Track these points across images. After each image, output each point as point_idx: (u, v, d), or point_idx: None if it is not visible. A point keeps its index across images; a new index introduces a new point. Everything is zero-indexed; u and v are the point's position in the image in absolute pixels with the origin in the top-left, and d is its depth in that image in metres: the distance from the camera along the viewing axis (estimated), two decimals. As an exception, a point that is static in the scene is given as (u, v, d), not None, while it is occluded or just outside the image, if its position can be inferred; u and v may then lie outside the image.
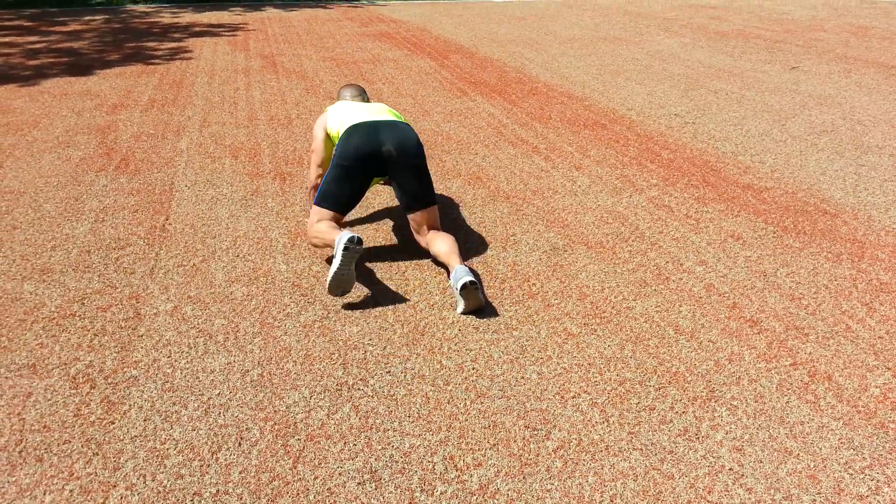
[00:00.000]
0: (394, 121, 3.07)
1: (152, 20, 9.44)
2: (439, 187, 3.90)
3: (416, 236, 3.07)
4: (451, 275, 2.73)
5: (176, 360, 2.39)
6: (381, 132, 2.96)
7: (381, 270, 3.01)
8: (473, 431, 2.10)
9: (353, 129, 2.97)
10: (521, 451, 2.02)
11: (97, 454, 1.98)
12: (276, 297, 2.79)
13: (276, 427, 2.09)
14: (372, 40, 8.18)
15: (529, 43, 8.18)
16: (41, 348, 2.45)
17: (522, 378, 2.35)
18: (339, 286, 2.70)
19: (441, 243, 2.92)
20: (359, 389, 2.26)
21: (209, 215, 3.52)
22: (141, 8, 10.54)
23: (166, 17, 9.64)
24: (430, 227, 3.03)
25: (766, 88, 6.28)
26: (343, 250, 2.63)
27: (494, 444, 2.04)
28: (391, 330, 2.59)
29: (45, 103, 5.50)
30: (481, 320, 2.66)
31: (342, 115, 3.13)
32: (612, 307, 2.78)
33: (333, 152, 3.02)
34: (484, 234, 3.36)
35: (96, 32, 8.50)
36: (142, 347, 2.46)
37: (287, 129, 4.85)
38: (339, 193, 2.94)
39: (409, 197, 2.98)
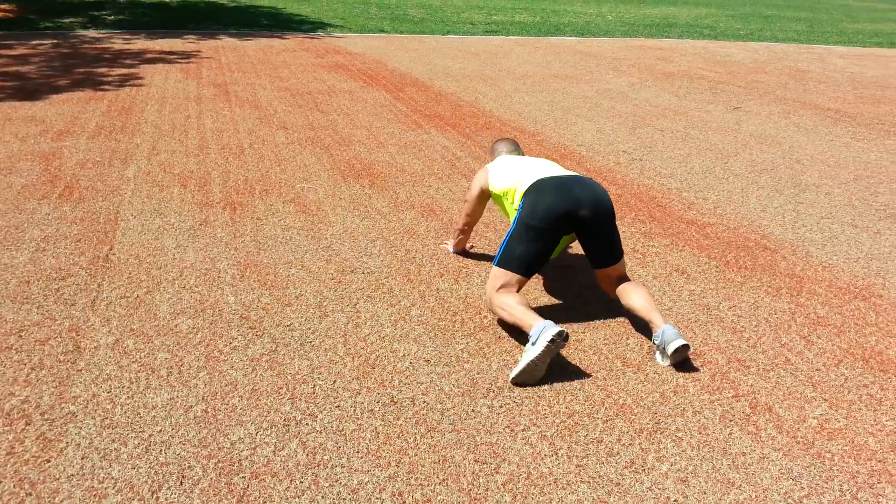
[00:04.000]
0: (580, 176, 2.95)
1: (103, 46, 9.30)
2: (392, 219, 3.92)
3: (605, 287, 2.96)
4: (658, 333, 2.61)
5: (116, 396, 2.32)
6: (574, 189, 2.80)
7: (332, 302, 2.99)
8: (423, 466, 2.08)
9: (539, 187, 2.83)
10: (470, 486, 2.01)
11: (31, 494, 1.90)
12: (222, 329, 2.74)
13: (220, 465, 2.04)
14: (327, 71, 8.21)
15: (483, 78, 8.33)
16: (-27, 383, 2.35)
17: (473, 411, 2.35)
18: (528, 377, 2.48)
19: (637, 297, 2.77)
20: (307, 425, 2.23)
21: (155, 245, 3.45)
22: (92, 33, 10.38)
23: (118, 43, 9.51)
24: (619, 278, 2.91)
25: (709, 128, 6.50)
26: (549, 342, 2.41)
27: (444, 479, 2.03)
28: (341, 363, 2.57)
29: (-14, 128, 5.34)
30: (433, 352, 2.66)
31: (511, 173, 3.02)
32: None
33: (517, 213, 2.86)
34: (437, 266, 3.37)
35: (44, 57, 8.34)
36: (81, 382, 2.38)
37: (239, 159, 4.82)
38: (526, 255, 2.76)
39: (602, 254, 2.86)
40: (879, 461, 2.20)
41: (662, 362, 2.65)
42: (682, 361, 2.66)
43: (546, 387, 2.49)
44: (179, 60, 8.47)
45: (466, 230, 3.40)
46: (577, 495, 2.00)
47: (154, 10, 13.35)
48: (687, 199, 4.51)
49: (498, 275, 2.79)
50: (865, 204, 4.60)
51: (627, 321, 2.96)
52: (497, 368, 2.58)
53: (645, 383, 2.54)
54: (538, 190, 2.83)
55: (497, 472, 2.07)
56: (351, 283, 3.17)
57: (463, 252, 3.54)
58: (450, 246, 3.56)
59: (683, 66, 10.17)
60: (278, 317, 2.85)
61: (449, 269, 3.36)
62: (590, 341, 2.80)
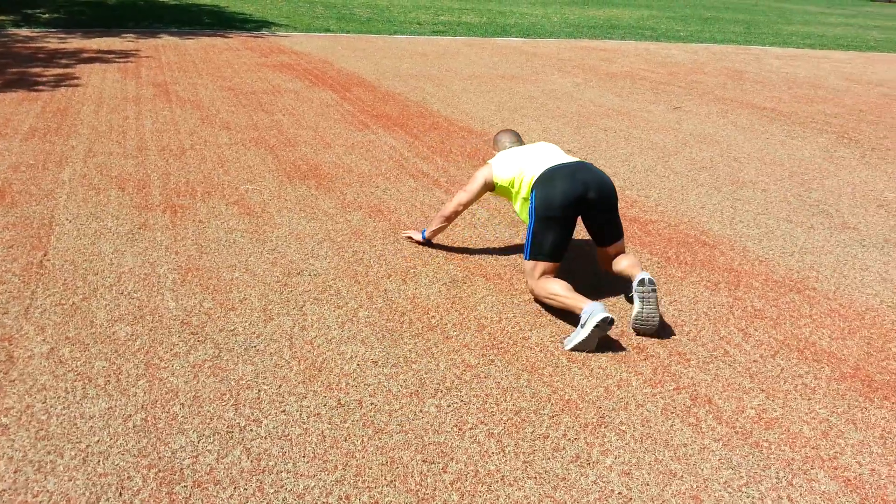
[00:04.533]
0: (584, 161, 3.20)
1: (37, 45, 8.97)
2: (339, 220, 3.88)
3: (604, 265, 3.22)
4: (634, 280, 2.90)
5: (52, 406, 2.24)
6: (582, 176, 3.05)
7: (278, 305, 2.95)
8: (371, 469, 2.07)
9: (550, 177, 3.04)
10: (417, 487, 2.01)
11: (-43, 513, 1.82)
12: (163, 336, 2.68)
13: (161, 474, 1.99)
14: (272, 71, 8.10)
15: (431, 78, 8.33)
16: None
17: (421, 412, 2.34)
18: (581, 350, 2.75)
19: (626, 260, 3.10)
20: (251, 431, 2.19)
21: (91, 250, 3.34)
22: (25, 32, 9.99)
23: (53, 42, 9.19)
24: (618, 254, 3.17)
25: (651, 127, 6.65)
26: (595, 327, 2.67)
27: (391, 481, 2.03)
28: (287, 367, 2.53)
29: None
30: (380, 354, 2.65)
31: (515, 163, 3.22)
32: (509, 337, 2.83)
33: (530, 208, 3.07)
34: (384, 267, 3.36)
35: (-28, 56, 8.00)
36: (14, 393, 2.29)
37: (179, 160, 4.71)
38: (552, 244, 3.00)
39: (608, 233, 3.14)
40: (813, 448, 2.28)
41: (633, 313, 2.88)
42: (651, 325, 2.86)
43: (493, 385, 2.50)
44: (117, 60, 8.24)
45: (452, 218, 3.50)
46: (524, 491, 2.02)
47: (90, 8, 12.94)
48: (630, 196, 4.60)
49: (534, 266, 3.03)
50: (800, 200, 4.77)
51: (575, 318, 3.00)
52: (445, 368, 2.59)
53: (590, 378, 2.58)
54: (549, 179, 3.05)
55: (445, 472, 2.07)
56: (297, 286, 3.13)
57: (428, 241, 3.64)
58: (416, 234, 3.67)
59: (626, 66, 10.37)
60: (221, 322, 2.80)
61: (397, 270, 3.35)
62: (536, 338, 2.83)
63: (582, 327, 2.72)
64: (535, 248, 3.02)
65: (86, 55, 8.44)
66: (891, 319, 3.17)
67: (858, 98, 9.01)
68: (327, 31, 12.16)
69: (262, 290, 3.07)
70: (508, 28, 14.31)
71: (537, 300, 3.07)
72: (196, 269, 3.22)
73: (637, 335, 2.89)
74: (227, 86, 7.17)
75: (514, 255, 3.59)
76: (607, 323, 2.67)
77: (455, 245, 3.67)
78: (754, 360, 2.77)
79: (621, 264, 3.09)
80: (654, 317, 2.84)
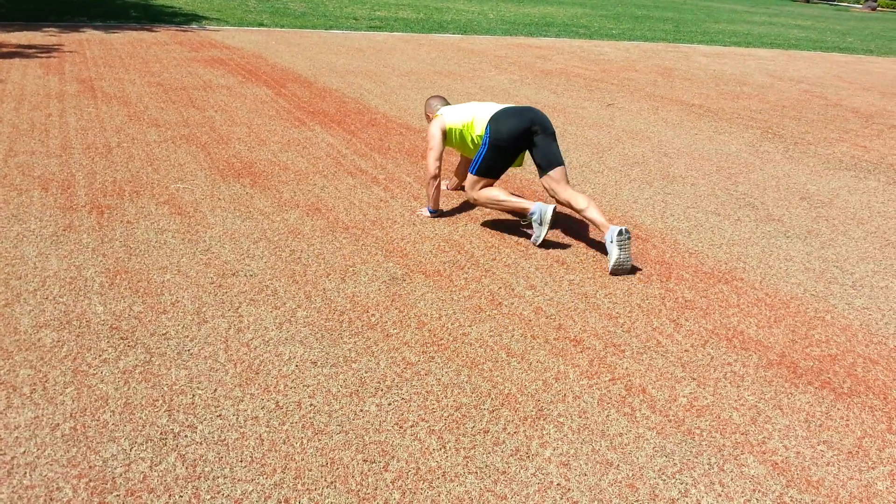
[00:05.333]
0: (526, 105, 4.24)
1: (-52, 37, 8.51)
2: (276, 219, 3.82)
3: (555, 196, 3.76)
4: (606, 233, 3.48)
5: (-29, 419, 2.14)
6: (529, 114, 3.79)
7: (212, 307, 2.88)
8: (310, 470, 2.05)
9: (502, 115, 3.79)
10: (358, 487, 2.00)
11: None
12: (91, 342, 2.58)
13: (92, 484, 1.92)
14: (203, 66, 7.89)
15: (368, 74, 8.27)
16: None
17: (362, 411, 2.33)
18: (621, 270, 3.49)
19: (583, 200, 3.66)
20: (186, 437, 2.14)
21: (14, 254, 3.19)
22: (-66, 23, 9.48)
23: (-34, 35, 8.73)
24: (564, 180, 3.73)
25: (585, 124, 6.77)
26: (551, 219, 3.62)
27: (332, 482, 2.01)
28: (222, 370, 2.48)
29: None
30: (319, 354, 2.62)
31: (465, 111, 3.91)
32: (449, 334, 2.84)
33: (483, 139, 3.77)
34: (323, 266, 3.32)
35: None
36: (-72, 407, 2.17)
37: (106, 159, 4.54)
38: (497, 167, 3.82)
39: (549, 160, 3.73)
40: (742, 434, 2.37)
41: (610, 263, 3.46)
42: (625, 267, 3.47)
43: (434, 381, 2.51)
44: (39, 55, 7.88)
45: (437, 174, 3.94)
46: (465, 486, 2.03)
47: (9, 1, 12.35)
48: (566, 192, 4.67)
49: (478, 180, 3.83)
50: (727, 193, 4.94)
51: (513, 312, 3.03)
52: (385, 366, 2.58)
53: (528, 372, 2.62)
54: (501, 117, 3.78)
55: (386, 470, 2.07)
56: (232, 287, 3.07)
57: (441, 212, 4.11)
58: (425, 210, 4.07)
59: (560, 64, 10.53)
60: (153, 325, 2.72)
61: (335, 269, 3.32)
62: (476, 334, 2.85)
63: (541, 224, 3.64)
64: (483, 168, 3.79)
65: (5, 50, 8.06)
66: (814, 308, 3.32)
67: (781, 94, 9.39)
68: (261, 25, 11.93)
69: (195, 293, 3.00)
70: (445, 24, 14.34)
71: (478, 204, 3.89)
72: (125, 271, 3.12)
73: (612, 275, 3.44)
74: (155, 81, 6.96)
75: (453, 252, 3.61)
76: (556, 212, 3.64)
77: (394, 242, 3.67)
78: (685, 350, 2.86)
79: (582, 204, 3.63)
80: (629, 261, 3.46)
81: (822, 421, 2.47)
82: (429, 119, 4.14)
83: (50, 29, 9.83)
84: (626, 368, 2.69)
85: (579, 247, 3.80)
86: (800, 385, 2.68)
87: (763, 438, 2.35)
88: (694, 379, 2.66)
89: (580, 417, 2.38)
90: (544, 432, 2.29)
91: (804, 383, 2.69)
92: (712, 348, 2.89)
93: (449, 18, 15.49)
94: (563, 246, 3.80)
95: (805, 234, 4.28)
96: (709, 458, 2.23)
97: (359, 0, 17.55)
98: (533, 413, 2.38)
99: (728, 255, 3.85)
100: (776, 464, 2.23)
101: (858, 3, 43.96)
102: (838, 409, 2.55)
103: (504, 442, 2.23)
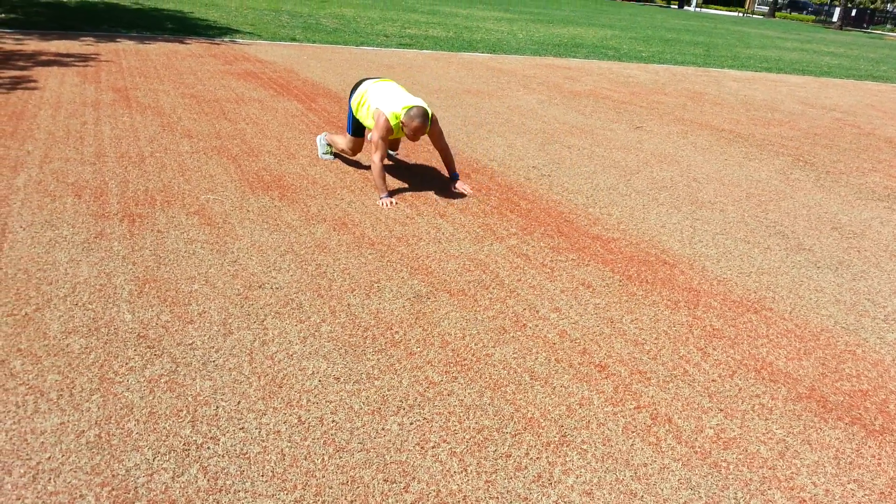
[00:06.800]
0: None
1: (-10, 45, 8.73)
2: (303, 232, 3.84)
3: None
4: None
5: (1, 421, 2.16)
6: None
7: (238, 319, 2.90)
8: (331, 488, 2.04)
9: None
10: (379, 507, 1.99)
11: None
12: (118, 349, 2.60)
13: (114, 493, 1.93)
14: (236, 79, 8.01)
15: (396, 91, 8.33)
16: None
17: (383, 429, 2.32)
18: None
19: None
20: (208, 449, 2.14)
21: (46, 259, 3.25)
22: (-22, 31, 9.73)
23: (8, 44, 8.95)
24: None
25: (613, 146, 6.75)
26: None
27: (352, 501, 2.00)
28: (246, 383, 2.49)
29: None
30: (342, 370, 2.62)
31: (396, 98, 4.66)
32: (473, 354, 2.83)
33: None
34: (348, 281, 3.33)
35: (-78, 54, 7.74)
36: (-43, 408, 2.20)
37: (139, 168, 4.61)
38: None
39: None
40: (770, 468, 2.32)
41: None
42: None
43: (456, 402, 2.49)
44: (76, 63, 8.06)
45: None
46: (486, 512, 2.01)
47: (49, 10, 12.66)
48: (592, 214, 4.66)
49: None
50: (757, 221, 4.88)
51: (537, 334, 3.01)
52: (408, 384, 2.57)
53: (552, 396, 2.59)
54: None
55: (406, 491, 2.05)
56: (258, 299, 3.09)
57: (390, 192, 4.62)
58: (383, 201, 4.45)
59: (589, 85, 10.53)
60: (179, 335, 2.74)
61: (360, 284, 3.32)
62: (499, 355, 2.84)
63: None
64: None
65: (43, 58, 8.25)
66: (844, 341, 3.26)
67: (813, 122, 9.29)
68: (293, 40, 12.09)
69: (221, 303, 3.02)
70: (475, 43, 14.42)
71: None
72: (154, 280, 3.15)
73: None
74: (189, 93, 7.07)
75: (478, 271, 3.60)
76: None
77: (419, 259, 3.67)
78: (713, 380, 2.81)
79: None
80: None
81: (852, 458, 2.41)
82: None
83: (87, 38, 10.05)
84: (652, 397, 2.65)
85: (605, 270, 3.77)
86: (829, 420, 2.62)
87: (791, 474, 2.30)
88: (721, 410, 2.61)
89: (604, 445, 2.35)
90: (567, 459, 2.26)
91: (834, 418, 2.63)
92: (740, 379, 2.84)
93: (478, 37, 15.59)
94: (588, 269, 3.77)
95: (836, 264, 4.21)
96: (735, 493, 2.18)
97: (390, 18, 17.73)
98: (556, 439, 2.36)
99: (757, 284, 3.80)
100: (804, 501, 2.18)
101: (893, 31, 43.49)
102: (870, 446, 2.48)
103: (526, 467, 2.21)
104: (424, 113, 4.38)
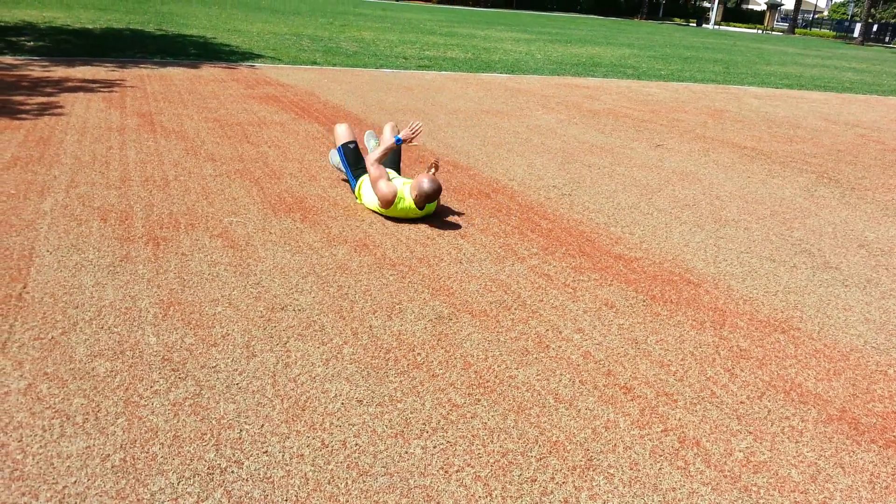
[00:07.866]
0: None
1: (21, 73, 8.93)
2: (325, 254, 3.86)
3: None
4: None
5: (28, 445, 2.18)
6: None
7: (261, 341, 2.91)
8: (354, 512, 2.02)
9: None
10: (403, 532, 1.96)
11: (-77, 560, 1.75)
12: (143, 372, 2.62)
13: (139, 518, 1.93)
14: (258, 102, 8.11)
15: (417, 112, 8.39)
16: None
17: (406, 453, 2.30)
18: None
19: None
20: (232, 472, 2.14)
21: (72, 283, 3.29)
22: (8, 60, 9.96)
23: (36, 71, 9.16)
24: None
25: (634, 164, 6.72)
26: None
27: (376, 526, 1.98)
28: (269, 406, 2.49)
29: None
30: (365, 393, 2.61)
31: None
32: (496, 376, 2.81)
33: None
34: (370, 302, 3.33)
35: (-46, 82, 7.94)
36: (-14, 432, 2.22)
37: (163, 191, 4.67)
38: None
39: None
40: (802, 493, 2.26)
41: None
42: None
43: (480, 425, 2.47)
44: (102, 89, 8.22)
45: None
46: (512, 537, 1.97)
47: (76, 37, 12.95)
48: (614, 233, 4.63)
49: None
50: (782, 239, 4.82)
51: (561, 356, 2.98)
52: (431, 407, 2.55)
53: (577, 419, 2.56)
54: None
55: (431, 516, 2.03)
56: (281, 321, 3.09)
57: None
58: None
59: (608, 104, 10.52)
60: (203, 358, 2.75)
61: (382, 306, 3.32)
62: (523, 377, 2.81)
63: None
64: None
65: (70, 84, 8.42)
66: (875, 361, 3.19)
67: (836, 138, 9.20)
68: (314, 63, 12.24)
69: (244, 326, 3.03)
70: (493, 64, 14.51)
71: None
72: (178, 303, 3.18)
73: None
74: (212, 117, 7.17)
75: (499, 292, 3.58)
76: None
77: (441, 280, 3.66)
78: (741, 402, 2.76)
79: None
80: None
81: (888, 483, 2.35)
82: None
83: (112, 64, 10.26)
84: (679, 419, 2.61)
85: (628, 290, 3.74)
86: (862, 443, 2.56)
87: (824, 499, 2.24)
88: (750, 433, 2.56)
89: (631, 469, 2.31)
90: (594, 483, 2.22)
91: (867, 441, 2.57)
92: (769, 401, 2.79)
93: (496, 58, 15.68)
94: (611, 289, 3.74)
95: (864, 283, 4.14)
96: (767, 518, 2.13)
97: (408, 40, 17.91)
98: (582, 463, 2.32)
99: (784, 304, 3.74)
100: (839, 527, 2.12)
101: (915, 45, 43.06)
102: (905, 470, 2.42)
103: (552, 492, 2.17)
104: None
